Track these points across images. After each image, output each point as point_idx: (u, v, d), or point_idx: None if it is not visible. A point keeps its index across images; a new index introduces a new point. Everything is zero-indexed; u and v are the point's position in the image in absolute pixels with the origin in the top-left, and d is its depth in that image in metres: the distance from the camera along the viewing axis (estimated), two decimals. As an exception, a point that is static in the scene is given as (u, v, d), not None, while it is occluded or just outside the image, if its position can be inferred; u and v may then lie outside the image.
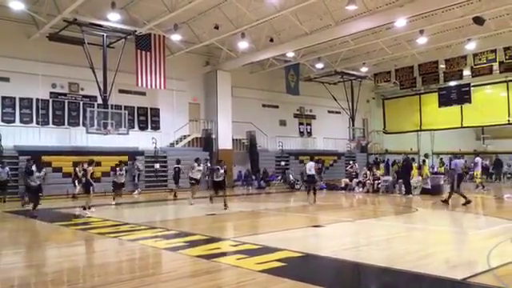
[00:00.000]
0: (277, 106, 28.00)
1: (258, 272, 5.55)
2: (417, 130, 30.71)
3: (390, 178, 19.88)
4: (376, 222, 10.88)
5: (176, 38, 20.10)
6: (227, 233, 9.29)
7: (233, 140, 24.81)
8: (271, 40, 21.16)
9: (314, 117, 30.10)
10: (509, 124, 27.55)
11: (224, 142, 24.24)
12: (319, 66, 24.74)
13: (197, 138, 24.11)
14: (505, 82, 25.99)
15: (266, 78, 26.46)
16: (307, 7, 16.61)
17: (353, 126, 30.43)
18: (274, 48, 21.41)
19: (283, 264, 6.02)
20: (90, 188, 12.78)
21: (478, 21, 17.14)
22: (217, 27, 19.70)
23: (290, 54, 23.42)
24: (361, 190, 20.39)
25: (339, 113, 30.15)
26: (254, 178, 24.21)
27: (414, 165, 19.53)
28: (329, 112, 30.52)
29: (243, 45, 20.50)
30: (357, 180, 21.19)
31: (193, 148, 23.76)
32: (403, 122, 30.54)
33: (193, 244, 7.59)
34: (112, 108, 19.92)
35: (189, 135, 23.91)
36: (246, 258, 6.35)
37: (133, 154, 21.12)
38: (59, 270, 6.16)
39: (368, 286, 5.70)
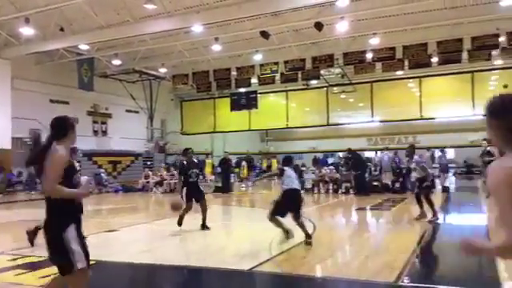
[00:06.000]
0: (67, 102, 25.63)
1: (41, 287, 4.94)
2: (211, 132, 32.60)
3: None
4: (172, 221, 11.01)
5: None
6: (3, 245, 8.02)
7: (12, 139, 21.65)
8: (62, 29, 19.25)
9: (110, 115, 28.69)
10: (287, 128, 31.79)
11: (0, 140, 20.93)
12: (116, 62, 23.71)
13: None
14: (285, 91, 29.83)
15: (56, 70, 23.95)
16: (103, -1, 15.75)
17: (151, 126, 30.28)
18: (65, 38, 19.54)
19: (72, 275, 5.51)
20: None
21: (264, 35, 19.16)
22: (-7, 7, 16.88)
23: (84, 47, 21.75)
24: (159, 190, 20.43)
25: (137, 112, 29.56)
26: (38, 181, 21.61)
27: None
28: (127, 111, 29.55)
29: (27, 31, 18.08)
30: (154, 181, 21.15)
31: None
32: (199, 123, 31.97)
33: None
34: None
35: (-48, 132, 19.81)
36: (26, 273, 5.61)
37: None
38: None
39: (163, 287, 5.70)
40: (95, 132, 27.64)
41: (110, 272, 6.03)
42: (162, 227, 10.24)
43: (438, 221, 9.64)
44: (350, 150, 18.74)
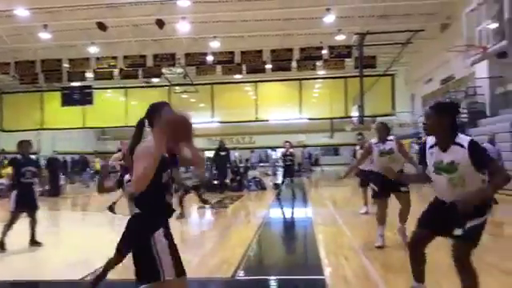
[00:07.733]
0: None
1: None
2: (38, 129, 29.33)
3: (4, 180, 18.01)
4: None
5: None
6: None
7: None
8: None
9: None
10: (126, 126, 30.49)
11: None
12: None
13: None
14: (124, 87, 28.58)
15: None
16: None
17: (-40, 120, 25.79)
18: None
19: None
20: None
21: (101, 27, 18.03)
22: None
23: None
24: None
25: None
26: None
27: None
28: None
29: None
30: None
31: None
32: (23, 119, 28.50)
33: None
34: None
35: None
36: None
37: None
38: None
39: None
40: None
41: None
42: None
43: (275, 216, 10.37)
44: (222, 143, 17.59)
